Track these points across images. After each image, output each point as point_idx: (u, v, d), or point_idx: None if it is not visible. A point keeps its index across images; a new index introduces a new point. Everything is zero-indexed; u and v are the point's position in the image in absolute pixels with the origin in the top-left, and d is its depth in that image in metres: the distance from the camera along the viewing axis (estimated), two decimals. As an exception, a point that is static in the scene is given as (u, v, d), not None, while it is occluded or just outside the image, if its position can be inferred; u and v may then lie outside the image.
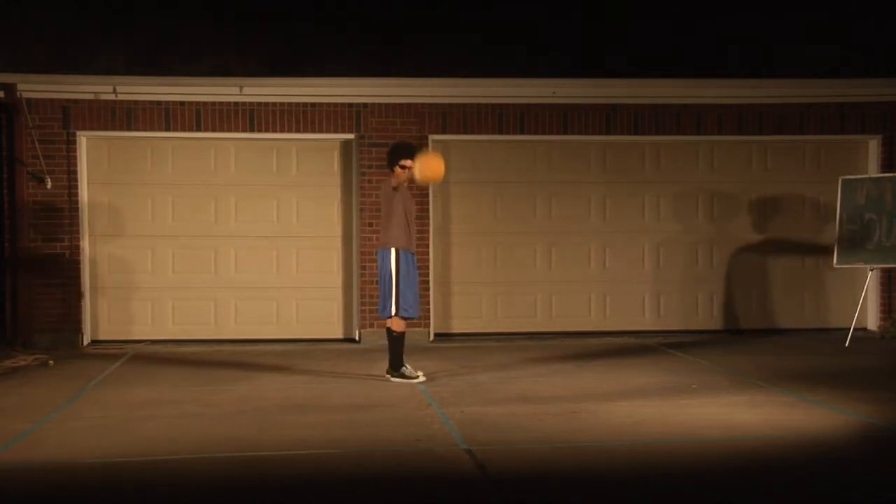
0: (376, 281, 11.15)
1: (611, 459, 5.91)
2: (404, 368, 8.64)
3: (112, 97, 10.92)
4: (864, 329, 11.76)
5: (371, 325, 11.23)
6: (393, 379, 8.60)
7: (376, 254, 8.88)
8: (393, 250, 8.58)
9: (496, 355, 10.15)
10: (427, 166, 8.45)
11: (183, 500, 5.25)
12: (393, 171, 8.65)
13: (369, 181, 11.24)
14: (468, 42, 11.42)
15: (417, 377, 8.59)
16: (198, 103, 11.10)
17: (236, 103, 11.12)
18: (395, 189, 8.59)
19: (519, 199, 11.69)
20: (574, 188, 11.76)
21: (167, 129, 11.10)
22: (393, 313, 8.58)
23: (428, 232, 11.33)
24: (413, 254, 8.71)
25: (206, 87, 10.99)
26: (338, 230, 11.51)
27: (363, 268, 11.27)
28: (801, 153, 11.98)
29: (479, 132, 11.42)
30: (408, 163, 8.55)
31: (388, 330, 8.68)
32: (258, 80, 10.98)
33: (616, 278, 11.83)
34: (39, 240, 10.97)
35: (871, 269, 11.15)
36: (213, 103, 11.11)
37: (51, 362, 9.82)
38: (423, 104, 11.24)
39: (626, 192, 11.81)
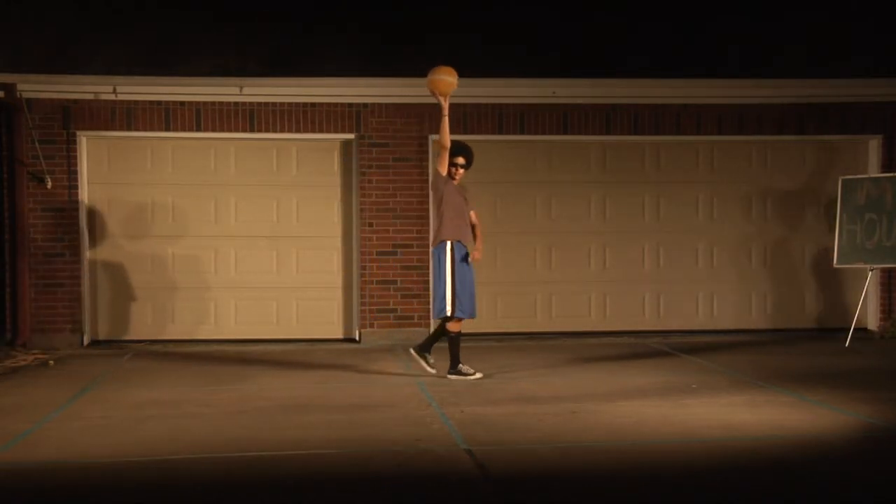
0: (376, 281, 11.23)
1: (611, 459, 5.91)
2: (461, 366, 8.71)
3: (112, 97, 10.92)
4: (864, 329, 11.75)
5: (371, 325, 11.24)
6: (450, 377, 8.67)
7: (431, 253, 8.87)
8: (448, 244, 8.60)
9: (496, 355, 10.14)
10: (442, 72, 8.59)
11: (183, 500, 5.25)
12: (442, 167, 8.69)
13: (369, 181, 11.24)
14: (468, 42, 11.42)
15: (474, 374, 8.69)
16: (198, 103, 11.10)
17: (236, 103, 11.12)
18: (444, 178, 8.65)
19: (519, 199, 11.69)
20: (574, 188, 11.76)
21: (167, 129, 11.10)
22: (449, 314, 8.60)
23: (428, 232, 11.32)
24: (466, 248, 8.69)
25: (206, 87, 10.99)
26: (338, 230, 11.51)
27: (363, 268, 11.27)
28: (801, 153, 11.98)
29: (479, 132, 11.41)
30: (460, 160, 8.69)
31: (446, 330, 8.73)
32: (258, 80, 10.98)
33: (616, 278, 11.83)
34: (39, 240, 10.97)
35: (871, 269, 11.15)
36: (213, 103, 11.11)
37: (51, 362, 9.82)
38: (423, 104, 11.23)
39: (626, 192, 11.81)
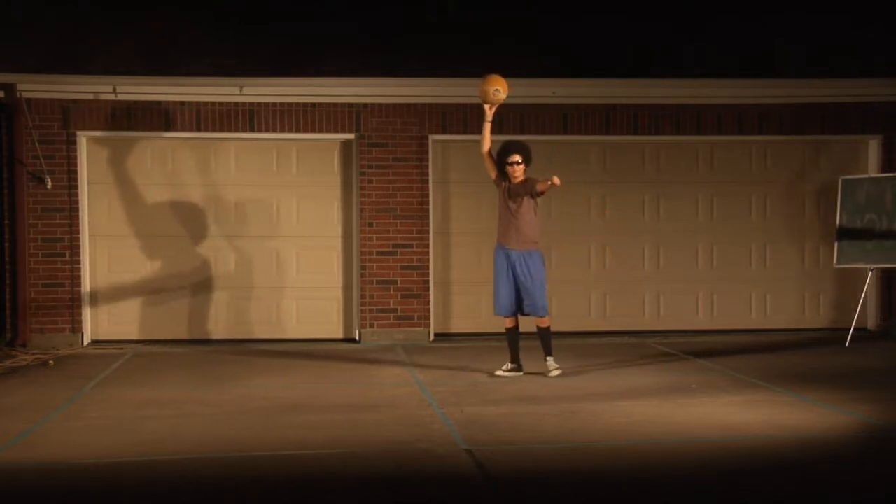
0: (376, 281, 11.25)
1: (610, 459, 5.92)
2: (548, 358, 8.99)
3: (112, 97, 10.92)
4: (864, 329, 11.75)
5: (371, 325, 11.24)
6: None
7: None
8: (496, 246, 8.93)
9: (496, 355, 10.14)
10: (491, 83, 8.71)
11: (183, 500, 5.25)
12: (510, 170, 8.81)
13: (369, 181, 11.24)
14: (468, 42, 11.43)
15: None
16: (198, 103, 11.09)
17: (236, 103, 11.12)
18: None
19: (519, 199, 11.67)
20: (574, 188, 11.72)
21: (167, 129, 11.10)
22: (495, 312, 9.02)
23: (428, 232, 11.33)
24: (509, 249, 8.80)
25: (206, 87, 10.98)
26: (338, 230, 11.51)
27: (363, 268, 11.26)
28: (801, 153, 11.97)
29: (479, 132, 11.38)
30: (513, 157, 8.77)
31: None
32: (258, 80, 10.98)
33: (616, 278, 11.82)
34: (39, 240, 10.97)
35: (871, 269, 11.14)
36: (213, 103, 11.10)
37: (51, 362, 9.83)
38: (423, 104, 11.24)
39: (626, 192, 11.81)
